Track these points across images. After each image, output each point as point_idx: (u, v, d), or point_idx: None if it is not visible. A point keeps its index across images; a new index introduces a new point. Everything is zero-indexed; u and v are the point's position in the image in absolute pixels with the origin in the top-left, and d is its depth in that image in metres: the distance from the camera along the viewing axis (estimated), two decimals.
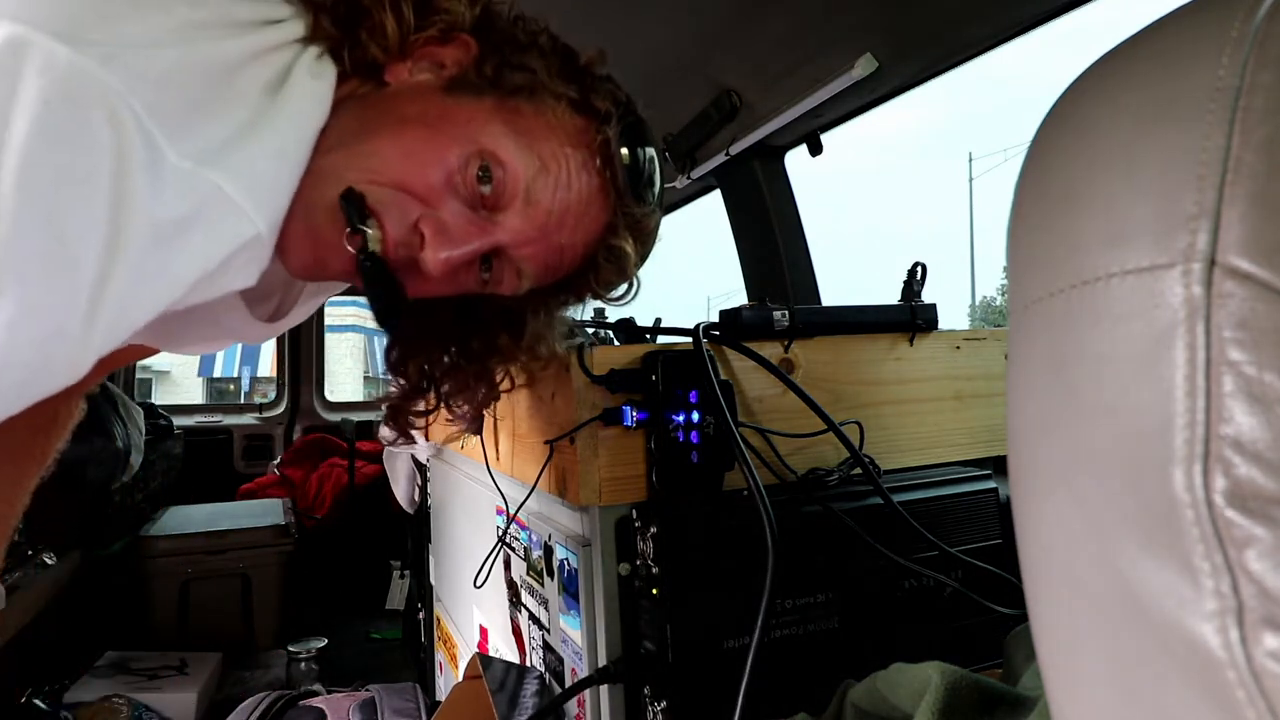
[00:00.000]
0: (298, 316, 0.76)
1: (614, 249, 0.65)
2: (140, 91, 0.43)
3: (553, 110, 0.60)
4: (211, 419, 3.16)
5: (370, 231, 0.56)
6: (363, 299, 0.62)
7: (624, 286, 0.71)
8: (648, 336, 0.83)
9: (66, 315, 0.42)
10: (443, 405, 0.78)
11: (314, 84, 0.54)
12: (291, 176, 0.53)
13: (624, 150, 0.62)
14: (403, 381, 0.78)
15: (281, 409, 3.21)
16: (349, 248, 0.56)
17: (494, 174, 0.58)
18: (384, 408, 0.82)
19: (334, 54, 0.57)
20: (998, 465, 0.91)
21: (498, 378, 0.78)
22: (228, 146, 0.47)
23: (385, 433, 1.49)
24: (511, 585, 0.97)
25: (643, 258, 0.69)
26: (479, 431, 0.95)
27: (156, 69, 0.45)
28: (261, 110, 0.50)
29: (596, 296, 0.72)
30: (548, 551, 0.83)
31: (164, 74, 0.45)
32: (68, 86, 0.40)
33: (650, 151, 0.65)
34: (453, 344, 0.76)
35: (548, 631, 0.85)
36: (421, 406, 0.79)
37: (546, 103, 0.60)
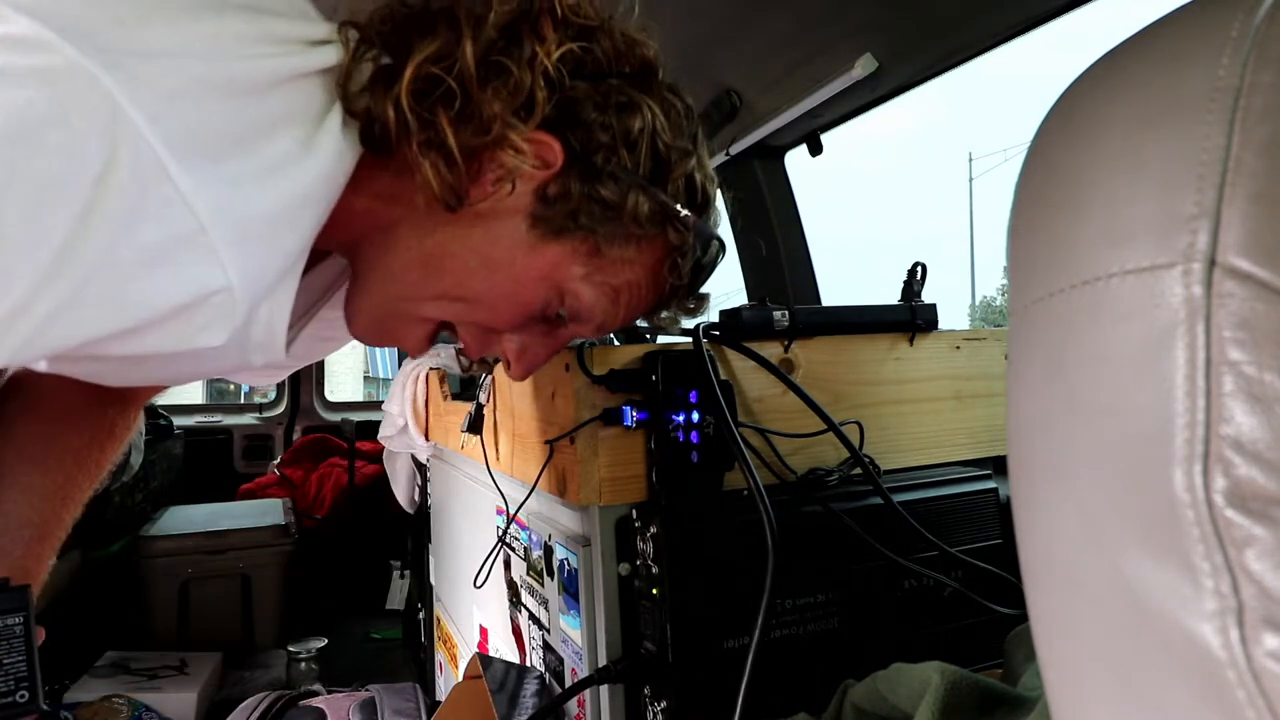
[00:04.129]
0: (311, 353, 0.77)
1: (665, 318, 0.71)
2: (145, 103, 0.40)
3: (633, 245, 0.61)
4: (211, 419, 3.15)
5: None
6: None
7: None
8: (648, 336, 0.83)
9: None
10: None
11: (335, 163, 0.51)
12: (288, 247, 0.50)
13: (692, 274, 0.65)
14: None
15: (281, 409, 3.20)
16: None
17: (569, 307, 0.62)
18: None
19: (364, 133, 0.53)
20: (998, 465, 0.91)
21: None
22: (229, 186, 0.44)
23: (385, 432, 1.48)
24: (511, 585, 0.97)
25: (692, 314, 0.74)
26: (479, 431, 0.95)
27: (171, 82, 0.42)
28: (278, 163, 0.47)
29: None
30: (548, 551, 0.82)
31: (179, 88, 0.42)
32: (59, 87, 0.38)
33: (714, 255, 0.67)
34: None
35: (548, 631, 0.85)
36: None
37: (629, 241, 0.61)
